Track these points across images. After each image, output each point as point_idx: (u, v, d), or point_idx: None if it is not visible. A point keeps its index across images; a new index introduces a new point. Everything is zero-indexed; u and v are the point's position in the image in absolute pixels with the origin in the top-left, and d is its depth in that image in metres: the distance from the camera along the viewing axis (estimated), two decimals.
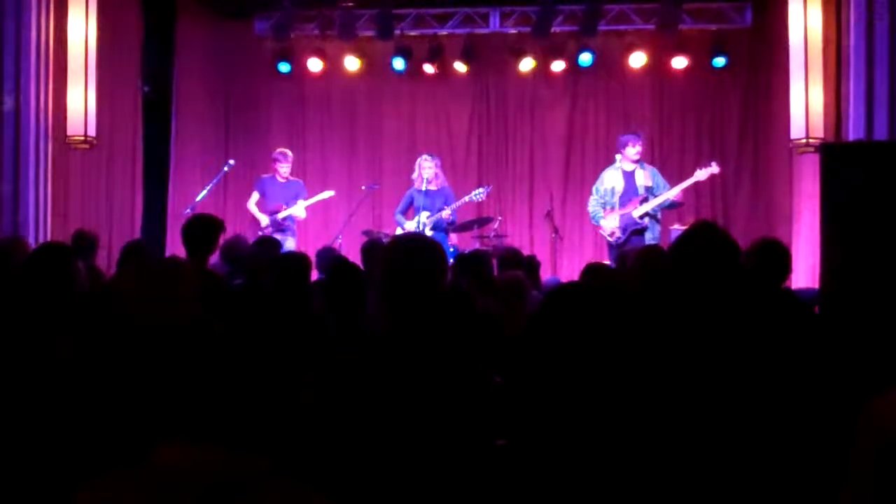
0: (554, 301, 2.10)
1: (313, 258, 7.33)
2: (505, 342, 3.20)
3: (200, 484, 1.52)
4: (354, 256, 6.01)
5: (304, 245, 10.20)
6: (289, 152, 9.29)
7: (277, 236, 7.88)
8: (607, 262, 7.65)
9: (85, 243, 6.16)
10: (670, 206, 8.44)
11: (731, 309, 2.46)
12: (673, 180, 8.83)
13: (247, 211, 9.26)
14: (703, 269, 2.48)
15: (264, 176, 9.32)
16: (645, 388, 2.00)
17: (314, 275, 6.83)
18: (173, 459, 1.56)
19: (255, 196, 9.18)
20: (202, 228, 5.21)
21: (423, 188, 8.79)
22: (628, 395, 1.96)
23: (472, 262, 5.21)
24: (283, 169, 9.14)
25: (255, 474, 1.55)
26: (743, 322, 2.49)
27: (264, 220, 8.97)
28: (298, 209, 9.05)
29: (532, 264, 6.40)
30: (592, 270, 4.61)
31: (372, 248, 5.89)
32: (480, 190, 9.08)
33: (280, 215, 8.97)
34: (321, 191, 9.51)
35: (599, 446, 1.90)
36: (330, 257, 5.70)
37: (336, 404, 2.16)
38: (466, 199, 8.95)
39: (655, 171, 8.45)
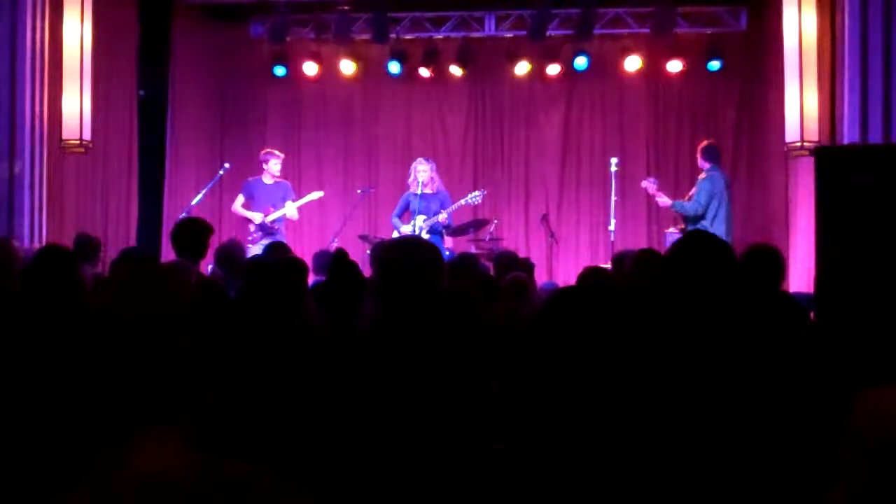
0: (552, 305, 2.10)
1: (309, 261, 7.33)
2: (506, 346, 3.20)
3: (182, 489, 1.51)
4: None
5: (300, 248, 10.20)
6: (277, 151, 9.20)
7: (266, 240, 7.80)
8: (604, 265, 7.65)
9: (88, 248, 6.11)
10: (683, 214, 8.49)
11: (727, 312, 2.47)
12: (668, 184, 8.87)
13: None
14: (698, 274, 2.49)
15: (250, 178, 9.22)
16: (643, 391, 2.01)
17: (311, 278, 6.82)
18: (154, 463, 1.55)
19: (241, 199, 9.07)
20: (191, 232, 5.22)
21: (419, 192, 8.79)
22: (627, 398, 1.96)
23: (460, 265, 5.21)
24: (276, 167, 9.01)
25: (239, 477, 1.55)
26: (739, 325, 2.50)
27: (258, 217, 8.83)
28: (290, 210, 8.95)
29: (526, 267, 6.40)
30: (590, 275, 4.61)
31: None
32: (476, 193, 9.08)
33: (269, 218, 8.84)
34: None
35: (598, 450, 1.90)
36: (333, 254, 5.66)
37: (333, 408, 2.16)
38: (462, 202, 8.95)
39: (703, 181, 8.36)
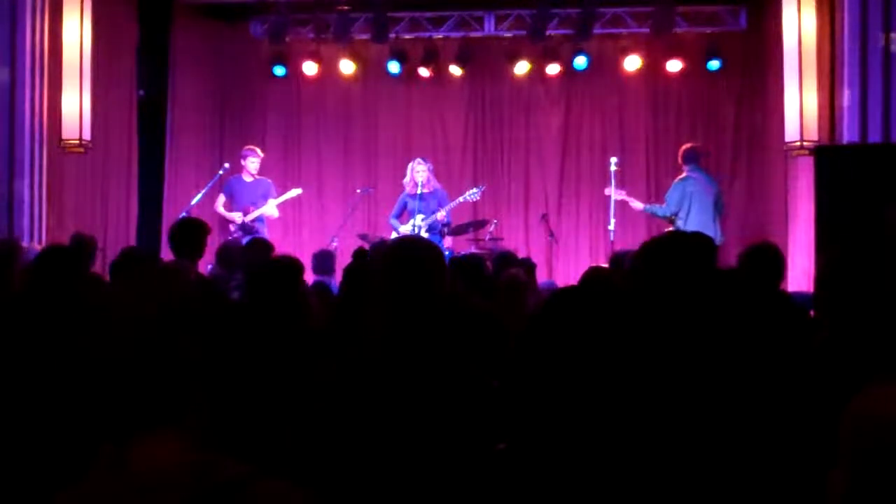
0: (554, 304, 2.11)
1: (309, 261, 7.32)
2: (504, 344, 3.20)
3: (182, 488, 1.51)
4: (349, 259, 6.01)
5: (300, 248, 10.20)
6: (258, 149, 9.21)
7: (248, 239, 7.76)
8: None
9: (84, 247, 6.10)
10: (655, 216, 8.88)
11: (718, 310, 2.46)
12: (668, 184, 8.90)
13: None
14: (670, 270, 2.48)
15: (230, 177, 9.23)
16: (642, 390, 2.01)
17: (311, 277, 6.82)
18: (153, 463, 1.55)
19: (222, 198, 9.07)
20: (188, 232, 5.19)
21: (418, 192, 8.80)
22: (626, 398, 1.96)
23: (466, 265, 5.20)
24: (253, 166, 9.01)
25: (238, 478, 1.55)
26: (734, 323, 2.50)
27: (237, 216, 8.82)
28: (270, 208, 8.93)
29: (528, 267, 6.40)
30: (593, 275, 4.60)
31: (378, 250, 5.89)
32: (474, 190, 9.09)
33: (249, 217, 8.80)
34: (316, 194, 9.51)
35: (597, 448, 1.91)
36: (353, 253, 5.64)
37: (335, 407, 2.16)
38: (461, 199, 8.96)
39: (676, 182, 8.68)
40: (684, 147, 8.88)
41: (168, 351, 1.64)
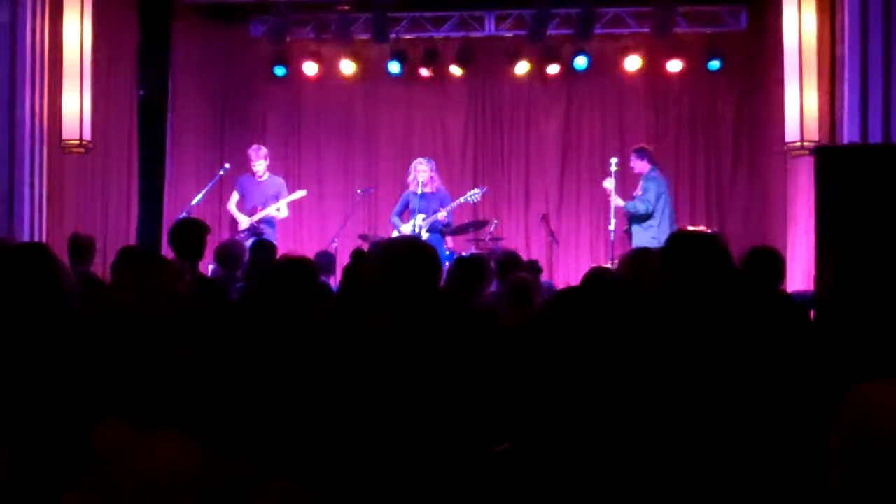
0: (557, 306, 2.11)
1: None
2: (504, 344, 3.20)
3: (193, 484, 1.52)
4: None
5: (300, 248, 10.19)
6: (263, 148, 9.10)
7: (252, 241, 7.70)
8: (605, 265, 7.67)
9: (81, 247, 6.10)
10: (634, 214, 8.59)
11: (725, 312, 2.47)
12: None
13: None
14: (693, 274, 2.49)
15: (242, 175, 9.17)
16: (645, 391, 2.01)
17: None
18: (162, 461, 1.55)
19: (235, 196, 9.02)
20: (188, 232, 5.18)
21: (419, 191, 8.80)
22: (629, 398, 1.96)
23: (471, 265, 5.17)
24: (259, 167, 8.89)
25: (244, 477, 1.55)
26: (737, 325, 2.50)
27: (245, 221, 8.75)
28: (275, 209, 8.85)
29: (533, 269, 6.36)
30: (594, 275, 4.59)
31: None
32: (476, 191, 9.09)
33: (255, 218, 8.73)
34: (317, 195, 9.48)
35: (600, 448, 1.91)
36: (351, 254, 5.62)
37: (334, 407, 2.16)
38: (462, 200, 8.96)
39: (650, 180, 8.62)
40: (641, 147, 8.86)
41: (170, 350, 1.64)
